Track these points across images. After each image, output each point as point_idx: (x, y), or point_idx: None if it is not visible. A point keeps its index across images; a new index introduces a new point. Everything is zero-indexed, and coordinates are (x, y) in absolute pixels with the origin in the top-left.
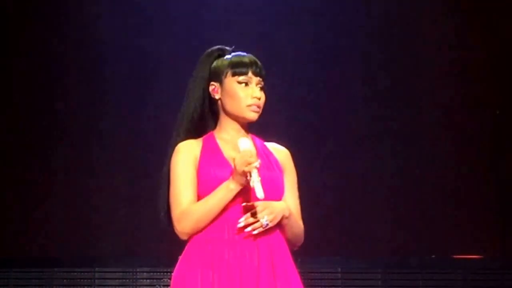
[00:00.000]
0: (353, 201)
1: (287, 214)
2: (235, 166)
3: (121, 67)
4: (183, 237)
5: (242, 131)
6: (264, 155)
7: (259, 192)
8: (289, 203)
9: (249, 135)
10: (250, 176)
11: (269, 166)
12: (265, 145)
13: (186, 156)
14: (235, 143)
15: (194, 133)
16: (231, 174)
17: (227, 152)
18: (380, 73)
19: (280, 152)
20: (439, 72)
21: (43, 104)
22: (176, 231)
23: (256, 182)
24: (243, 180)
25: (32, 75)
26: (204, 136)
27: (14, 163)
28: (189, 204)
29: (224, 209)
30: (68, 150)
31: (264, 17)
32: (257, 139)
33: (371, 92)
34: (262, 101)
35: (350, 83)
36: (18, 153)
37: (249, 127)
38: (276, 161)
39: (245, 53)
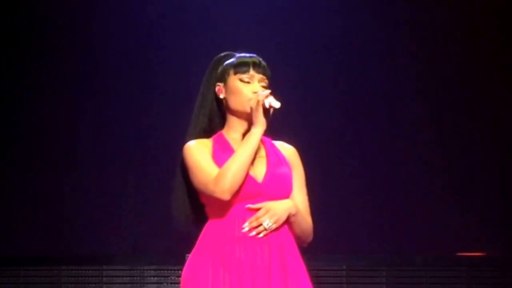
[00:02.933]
0: (358, 199)
1: (293, 212)
2: (251, 109)
3: (129, 65)
4: (225, 196)
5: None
6: (273, 152)
7: (276, 103)
8: (297, 200)
9: None
10: (264, 104)
11: (278, 163)
12: (273, 143)
13: (200, 147)
14: None
15: (204, 135)
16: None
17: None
18: (386, 74)
19: (287, 150)
20: (442, 71)
21: (47, 101)
22: (216, 195)
23: (269, 98)
24: (260, 116)
25: (34, 73)
26: (214, 136)
27: (20, 162)
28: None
29: (234, 207)
30: (75, 148)
31: (271, 17)
32: (265, 138)
33: (375, 93)
34: None
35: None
36: (24, 152)
37: None
38: (284, 158)
39: (250, 54)
